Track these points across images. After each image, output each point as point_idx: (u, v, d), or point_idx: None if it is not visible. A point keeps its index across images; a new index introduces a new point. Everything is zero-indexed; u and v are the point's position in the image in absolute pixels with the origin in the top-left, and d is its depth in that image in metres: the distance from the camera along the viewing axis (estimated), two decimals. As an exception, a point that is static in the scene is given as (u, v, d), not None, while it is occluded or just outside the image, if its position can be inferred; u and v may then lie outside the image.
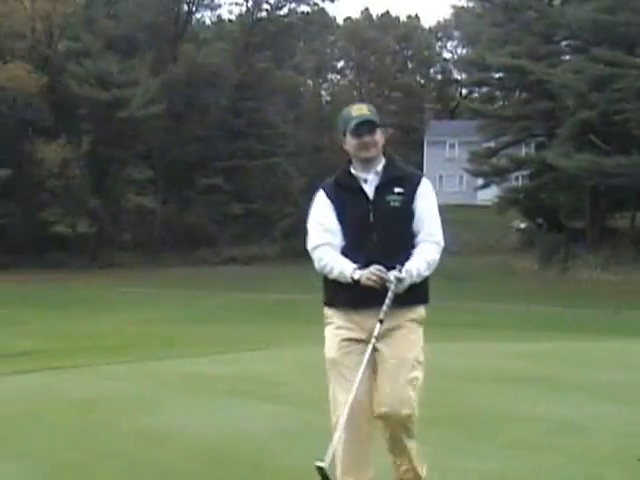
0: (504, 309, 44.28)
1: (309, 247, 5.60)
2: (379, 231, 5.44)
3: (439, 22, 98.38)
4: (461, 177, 78.56)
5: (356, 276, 5.27)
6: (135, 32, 74.05)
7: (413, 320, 5.57)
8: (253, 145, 76.45)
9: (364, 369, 5.26)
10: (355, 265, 5.33)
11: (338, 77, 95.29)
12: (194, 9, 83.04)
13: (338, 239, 5.51)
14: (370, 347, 5.31)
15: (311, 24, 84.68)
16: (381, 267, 5.26)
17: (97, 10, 74.96)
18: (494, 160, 69.88)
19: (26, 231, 67.93)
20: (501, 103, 73.10)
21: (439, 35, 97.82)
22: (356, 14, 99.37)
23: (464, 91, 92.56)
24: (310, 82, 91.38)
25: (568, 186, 63.72)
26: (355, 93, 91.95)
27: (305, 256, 5.93)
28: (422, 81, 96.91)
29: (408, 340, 5.50)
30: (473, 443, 7.68)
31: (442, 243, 5.64)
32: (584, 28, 61.39)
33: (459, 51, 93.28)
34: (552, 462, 6.97)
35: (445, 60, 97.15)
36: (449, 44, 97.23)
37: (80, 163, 69.38)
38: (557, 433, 8.10)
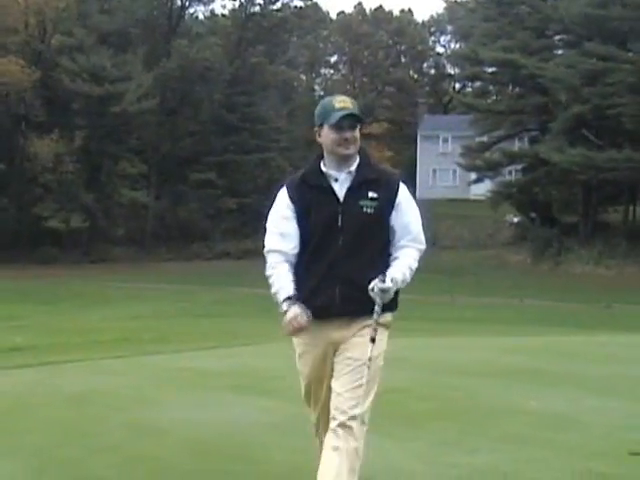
0: (497, 303, 44.37)
1: (264, 249, 5.26)
2: (347, 237, 5.03)
3: (432, 16, 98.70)
4: (454, 171, 78.60)
5: (284, 308, 4.98)
6: (128, 27, 73.99)
7: (374, 323, 4.99)
8: (246, 140, 76.36)
9: (330, 376, 5.12)
10: (291, 294, 5.00)
11: (331, 72, 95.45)
12: (187, 4, 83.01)
13: (293, 244, 5.14)
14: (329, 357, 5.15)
15: (304, 19, 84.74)
16: (303, 316, 4.92)
17: (90, 5, 74.80)
18: (487, 154, 70.05)
19: (19, 226, 67.97)
20: (494, 97, 73.19)
21: (432, 30, 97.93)
22: (349, 8, 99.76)
23: (457, 85, 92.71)
24: (303, 77, 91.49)
25: (561, 180, 63.90)
26: (348, 87, 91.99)
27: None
28: (415, 75, 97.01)
29: (365, 341, 4.97)
30: (465, 436, 7.67)
31: (424, 248, 5.29)
32: (576, 23, 61.54)
33: (452, 45, 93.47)
34: (544, 455, 6.96)
35: (438, 54, 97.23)
36: (442, 39, 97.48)
37: (73, 158, 69.39)
38: (549, 426, 8.10)
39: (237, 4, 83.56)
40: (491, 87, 75.64)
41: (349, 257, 5.00)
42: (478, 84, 79.28)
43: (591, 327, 29.33)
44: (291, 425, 7.75)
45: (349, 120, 5.05)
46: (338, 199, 5.07)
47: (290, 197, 5.20)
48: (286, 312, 4.96)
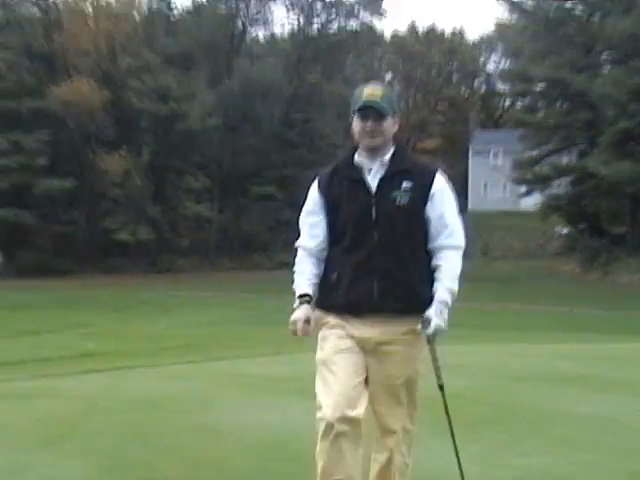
0: (548, 311, 44.09)
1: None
2: (382, 230, 4.57)
3: (482, 37, 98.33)
4: (505, 185, 78.28)
5: (294, 306, 4.64)
6: (192, 49, 74.59)
7: (410, 332, 4.63)
8: (304, 155, 76.50)
9: (354, 371, 4.58)
10: (304, 291, 4.69)
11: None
12: (248, 26, 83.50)
13: (319, 240, 4.81)
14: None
15: (361, 39, 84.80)
16: (302, 322, 4.55)
17: (156, 28, 75.67)
18: (537, 168, 69.76)
19: (89, 238, 68.66)
20: (543, 113, 72.67)
21: (483, 48, 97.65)
22: (403, 28, 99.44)
23: (507, 102, 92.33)
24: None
25: (609, 193, 63.37)
26: (402, 104, 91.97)
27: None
28: (467, 92, 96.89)
29: (402, 357, 4.64)
30: (519, 440, 7.63)
31: (463, 244, 4.76)
32: (623, 41, 61.15)
33: (502, 64, 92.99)
34: (595, 458, 6.91)
35: (489, 73, 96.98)
36: (492, 57, 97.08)
37: (140, 173, 69.95)
38: (601, 431, 8.03)
39: (295, 27, 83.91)
40: (540, 103, 75.21)
41: (386, 251, 4.57)
42: (527, 100, 78.86)
43: (634, 333, 29.01)
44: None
45: (373, 111, 4.62)
46: (370, 191, 4.64)
47: (320, 191, 4.87)
48: (294, 311, 4.64)
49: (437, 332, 4.53)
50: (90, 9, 74.18)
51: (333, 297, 4.67)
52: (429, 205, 4.62)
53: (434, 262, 4.67)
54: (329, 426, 4.42)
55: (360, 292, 4.56)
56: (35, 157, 68.13)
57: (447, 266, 4.64)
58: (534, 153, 70.32)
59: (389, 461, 4.74)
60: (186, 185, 71.81)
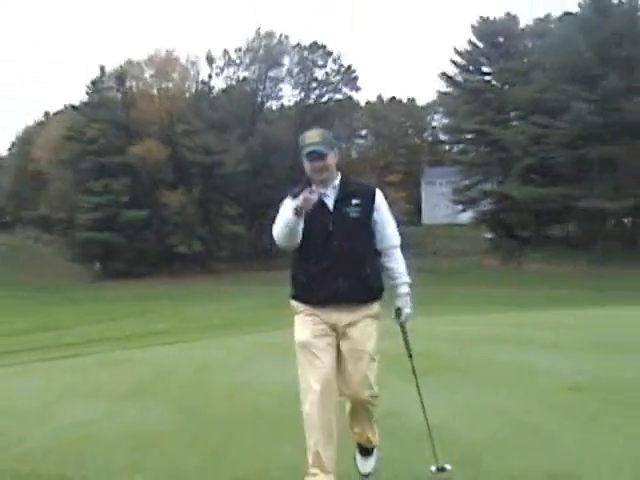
0: (479, 292, 44.11)
1: (273, 233, 4.32)
2: (339, 238, 4.22)
3: (429, 102, 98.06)
4: (447, 205, 78.27)
5: (294, 205, 4.08)
6: (226, 117, 74.54)
7: (368, 316, 4.29)
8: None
9: (331, 354, 4.25)
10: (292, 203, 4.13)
11: (363, 141, 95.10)
12: (265, 100, 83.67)
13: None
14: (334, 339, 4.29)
15: (343, 106, 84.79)
16: (312, 190, 4.10)
17: (202, 103, 75.75)
18: (469, 193, 69.98)
19: (157, 251, 68.65)
20: (472, 155, 72.74)
21: (429, 110, 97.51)
22: (373, 98, 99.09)
23: (447, 147, 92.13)
24: (344, 145, 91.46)
25: (518, 209, 63.67)
26: (374, 151, 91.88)
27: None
28: (419, 142, 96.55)
29: (365, 333, 4.27)
30: (462, 382, 7.57)
31: (400, 241, 4.45)
32: (525, 103, 61.52)
33: (443, 121, 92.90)
34: (516, 394, 6.85)
35: (434, 127, 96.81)
36: (436, 116, 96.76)
37: (193, 205, 70.05)
38: (519, 374, 7.98)
39: (298, 100, 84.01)
40: (470, 147, 75.36)
41: (345, 255, 4.20)
42: (461, 146, 79.01)
43: (542, 306, 28.98)
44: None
45: (316, 154, 4.26)
46: (329, 210, 4.27)
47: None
48: (297, 203, 4.05)
49: (407, 318, 4.40)
50: (155, 91, 74.27)
51: (306, 295, 4.34)
52: (375, 215, 4.32)
53: (387, 261, 4.39)
54: (315, 395, 4.14)
55: (328, 290, 4.22)
56: (120, 196, 68.37)
57: (399, 264, 4.40)
58: (467, 182, 70.48)
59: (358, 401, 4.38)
60: (224, 212, 71.69)
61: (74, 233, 69.20)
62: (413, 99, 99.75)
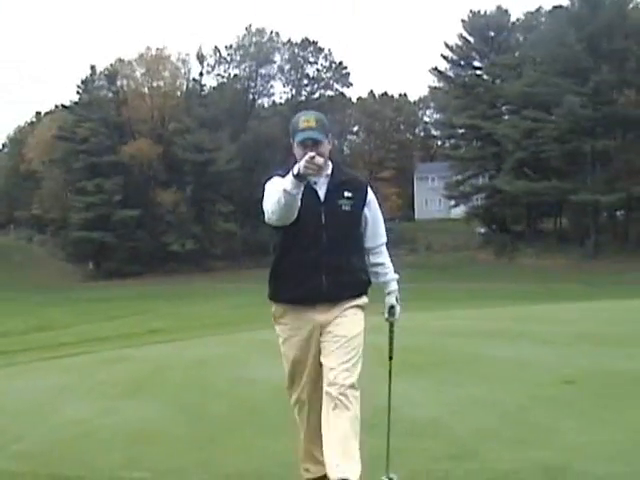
0: (472, 287, 44.14)
1: (265, 208, 4.05)
2: (329, 232, 3.95)
3: (420, 97, 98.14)
4: (440, 200, 78.32)
5: (295, 171, 3.68)
6: (218, 115, 74.45)
7: (355, 306, 4.06)
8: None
9: (318, 363, 4.06)
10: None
11: (354, 137, 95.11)
12: (257, 97, 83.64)
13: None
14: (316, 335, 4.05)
15: (335, 103, 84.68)
16: (313, 154, 3.64)
17: (193, 101, 75.64)
18: (461, 188, 70.11)
19: (151, 250, 68.54)
20: (464, 149, 72.78)
21: (421, 105, 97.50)
22: (364, 94, 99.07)
23: (439, 142, 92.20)
24: (336, 141, 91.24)
25: (511, 203, 63.89)
26: (366, 147, 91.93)
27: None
28: (411, 137, 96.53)
29: (351, 320, 4.01)
30: (453, 376, 7.61)
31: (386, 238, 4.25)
32: (516, 97, 61.54)
33: (435, 116, 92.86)
34: (507, 387, 6.90)
35: (426, 122, 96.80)
36: (427, 111, 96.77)
37: (186, 203, 70.06)
38: (510, 367, 8.02)
39: (290, 96, 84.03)
40: (461, 142, 75.38)
41: (333, 249, 3.96)
42: (453, 141, 79.07)
43: (534, 300, 29.06)
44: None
45: (312, 140, 3.91)
46: (320, 199, 3.98)
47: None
48: (299, 168, 3.67)
49: (399, 316, 4.23)
50: (146, 90, 74.17)
51: (288, 291, 4.06)
52: (366, 210, 4.09)
53: (376, 257, 4.21)
54: (304, 405, 4.20)
55: (311, 287, 3.96)
56: (112, 195, 68.36)
57: (387, 261, 4.23)
58: (459, 177, 70.55)
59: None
60: (217, 210, 71.63)
61: (67, 233, 69.18)
62: (405, 94, 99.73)
